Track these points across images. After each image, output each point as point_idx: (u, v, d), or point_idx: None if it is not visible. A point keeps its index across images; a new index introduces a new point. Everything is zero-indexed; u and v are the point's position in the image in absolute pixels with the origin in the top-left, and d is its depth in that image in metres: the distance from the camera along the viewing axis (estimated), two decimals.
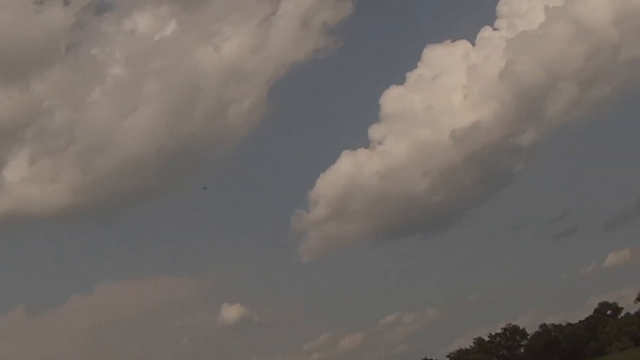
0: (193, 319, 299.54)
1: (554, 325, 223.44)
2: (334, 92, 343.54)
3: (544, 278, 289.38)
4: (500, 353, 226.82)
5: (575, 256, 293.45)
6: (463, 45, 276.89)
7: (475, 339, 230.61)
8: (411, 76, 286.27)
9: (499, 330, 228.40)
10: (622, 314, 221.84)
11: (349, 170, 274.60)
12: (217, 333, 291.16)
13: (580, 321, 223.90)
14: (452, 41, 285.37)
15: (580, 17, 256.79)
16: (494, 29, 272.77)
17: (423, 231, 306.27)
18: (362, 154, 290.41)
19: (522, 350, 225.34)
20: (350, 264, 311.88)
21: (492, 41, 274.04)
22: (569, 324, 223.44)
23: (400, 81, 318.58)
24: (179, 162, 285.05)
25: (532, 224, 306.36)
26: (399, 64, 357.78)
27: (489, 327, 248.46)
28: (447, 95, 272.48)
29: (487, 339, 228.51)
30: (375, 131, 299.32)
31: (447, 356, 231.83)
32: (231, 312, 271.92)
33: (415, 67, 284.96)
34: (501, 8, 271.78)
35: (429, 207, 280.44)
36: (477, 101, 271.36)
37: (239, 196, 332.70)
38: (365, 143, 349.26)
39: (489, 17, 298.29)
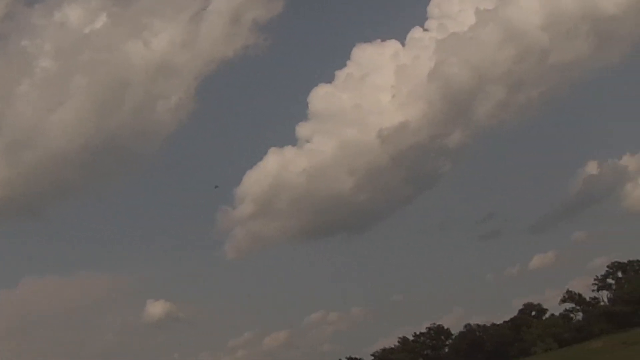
0: (118, 315, 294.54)
1: (478, 325, 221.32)
2: (262, 89, 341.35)
3: (469, 279, 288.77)
4: (425, 352, 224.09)
5: (501, 258, 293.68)
6: (393, 45, 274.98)
7: (399, 338, 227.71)
8: (340, 75, 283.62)
9: (423, 330, 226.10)
10: (547, 315, 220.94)
11: (276, 167, 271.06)
12: (141, 329, 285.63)
13: (504, 322, 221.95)
14: (382, 41, 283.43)
15: (511, 21, 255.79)
16: (424, 30, 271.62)
17: (348, 230, 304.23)
18: (289, 151, 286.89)
19: (446, 350, 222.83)
20: (275, 262, 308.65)
21: (422, 42, 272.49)
22: (493, 325, 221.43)
23: (329, 80, 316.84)
24: (105, 157, 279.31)
25: (457, 225, 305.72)
26: (328, 63, 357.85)
27: (414, 327, 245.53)
28: (375, 94, 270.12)
29: (411, 338, 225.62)
30: (302, 129, 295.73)
31: (372, 355, 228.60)
32: (156, 309, 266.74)
33: (345, 65, 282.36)
34: (432, 9, 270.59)
35: (354, 207, 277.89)
36: (405, 101, 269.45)
37: (164, 192, 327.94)
38: (293, 141, 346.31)
39: (420, 18, 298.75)
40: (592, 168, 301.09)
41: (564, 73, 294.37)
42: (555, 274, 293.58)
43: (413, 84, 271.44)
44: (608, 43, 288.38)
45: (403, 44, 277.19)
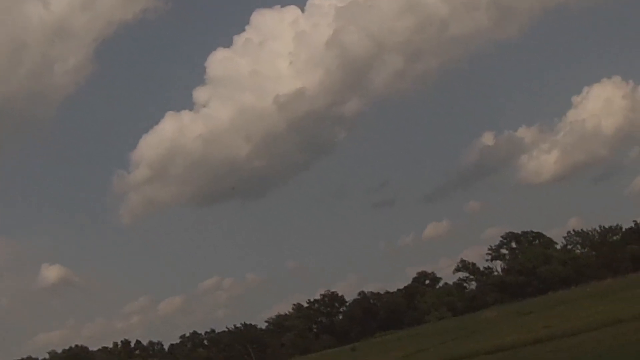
0: (12, 280, 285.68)
1: (372, 293, 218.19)
2: (160, 53, 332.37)
3: (364, 246, 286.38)
4: (319, 319, 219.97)
5: (395, 226, 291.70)
6: (292, 11, 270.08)
7: (294, 304, 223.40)
8: (238, 40, 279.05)
9: (317, 297, 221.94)
10: (440, 284, 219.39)
11: (172, 132, 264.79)
12: (36, 294, 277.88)
13: (398, 290, 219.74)
14: (282, 6, 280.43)
15: None
16: None
17: (243, 196, 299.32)
18: (186, 116, 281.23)
19: (340, 317, 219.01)
20: (170, 227, 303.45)
21: (322, 9, 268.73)
22: (387, 292, 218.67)
23: (228, 44, 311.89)
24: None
25: (352, 192, 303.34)
26: (227, 27, 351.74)
27: (308, 294, 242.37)
28: (273, 61, 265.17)
29: (306, 305, 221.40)
30: (200, 94, 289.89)
31: (266, 321, 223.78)
32: (51, 273, 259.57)
33: (243, 30, 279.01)
34: None
35: (249, 172, 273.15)
36: (303, 68, 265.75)
37: (60, 156, 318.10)
38: (190, 105, 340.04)
39: None
40: (488, 139, 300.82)
41: (463, 44, 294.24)
42: (449, 244, 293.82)
43: (311, 51, 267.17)
44: (508, 16, 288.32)
45: (303, 11, 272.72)
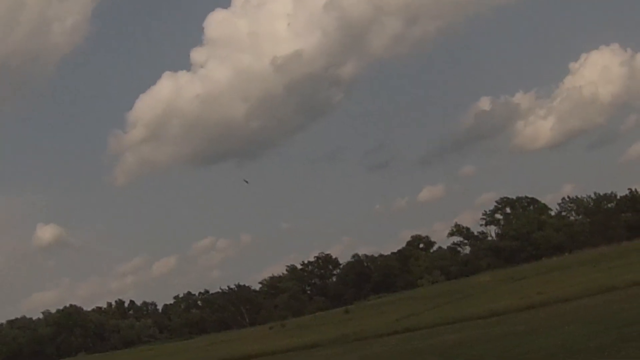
0: (7, 239, 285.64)
1: (366, 255, 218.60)
2: (158, 13, 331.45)
3: (359, 209, 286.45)
4: (312, 281, 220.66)
5: (390, 189, 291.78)
6: None
7: (288, 266, 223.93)
8: (237, 1, 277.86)
9: (311, 259, 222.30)
10: (434, 248, 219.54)
11: (169, 92, 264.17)
12: (31, 253, 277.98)
13: (392, 253, 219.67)
14: None
15: None
16: None
17: (239, 157, 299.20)
18: (183, 76, 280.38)
19: (334, 279, 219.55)
20: (165, 187, 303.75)
21: None
22: (381, 255, 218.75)
23: (226, 5, 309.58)
24: None
25: (347, 155, 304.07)
26: None
27: (302, 255, 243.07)
28: (271, 22, 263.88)
29: (299, 267, 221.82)
30: (197, 54, 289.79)
31: (260, 283, 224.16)
32: (46, 233, 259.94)
33: None
34: None
35: (246, 134, 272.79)
36: (301, 30, 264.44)
37: (57, 115, 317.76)
38: (187, 66, 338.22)
39: None
40: (484, 104, 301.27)
41: (462, 9, 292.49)
42: (443, 208, 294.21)
43: (310, 12, 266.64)
44: None
45: None
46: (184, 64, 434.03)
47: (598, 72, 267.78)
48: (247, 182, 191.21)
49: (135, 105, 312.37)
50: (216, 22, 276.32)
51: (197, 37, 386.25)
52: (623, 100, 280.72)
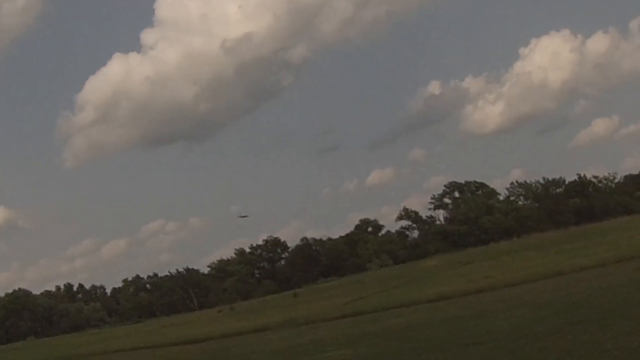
0: None
1: (315, 239, 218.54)
2: None
3: (307, 192, 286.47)
4: (261, 265, 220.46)
5: (339, 172, 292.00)
6: None
7: (236, 249, 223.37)
8: None
9: (260, 242, 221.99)
10: (383, 231, 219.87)
11: (119, 74, 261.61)
12: None
13: (340, 237, 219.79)
14: None
15: None
16: None
17: (188, 140, 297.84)
18: (133, 58, 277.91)
19: (282, 262, 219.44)
20: (115, 170, 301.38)
21: None
22: (329, 239, 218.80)
23: None
24: None
25: (297, 138, 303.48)
26: None
27: (251, 239, 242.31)
28: (222, 4, 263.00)
29: (248, 250, 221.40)
30: (148, 36, 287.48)
31: (209, 266, 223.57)
32: None
33: None
34: None
35: (196, 116, 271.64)
36: (252, 13, 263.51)
37: (5, 96, 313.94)
38: (137, 48, 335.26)
39: None
40: (434, 88, 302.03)
41: None
42: (392, 191, 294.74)
43: None
44: None
45: None
46: (134, 45, 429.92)
47: (548, 57, 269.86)
48: (244, 216, 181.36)
49: (85, 87, 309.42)
50: (167, 4, 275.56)
51: (147, 19, 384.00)
52: (572, 86, 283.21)
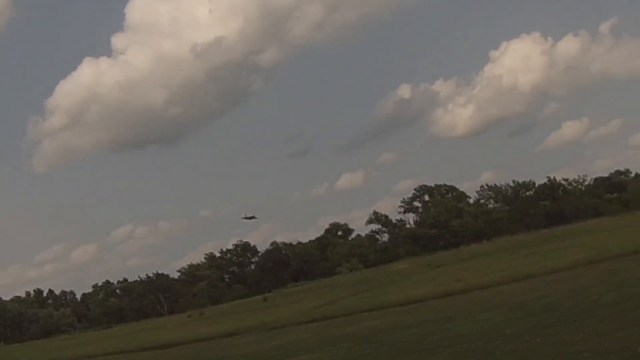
0: None
1: (284, 243, 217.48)
2: None
3: (277, 196, 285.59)
4: (231, 269, 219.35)
5: (309, 176, 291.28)
6: None
7: (206, 254, 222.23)
8: None
9: (230, 247, 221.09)
10: (353, 235, 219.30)
11: (89, 79, 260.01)
12: None
13: (310, 241, 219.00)
14: None
15: None
16: None
17: (159, 144, 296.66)
18: (103, 62, 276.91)
19: (252, 267, 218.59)
20: (85, 175, 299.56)
21: None
22: (299, 243, 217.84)
23: None
24: None
25: (267, 142, 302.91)
26: None
27: (221, 243, 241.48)
28: (193, 8, 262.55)
29: (218, 254, 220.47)
30: (118, 40, 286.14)
31: (179, 271, 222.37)
32: None
33: None
34: None
35: (166, 120, 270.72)
36: (223, 17, 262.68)
37: None
38: (108, 52, 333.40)
39: None
40: (404, 91, 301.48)
41: None
42: (362, 195, 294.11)
43: None
44: None
45: None
46: (104, 49, 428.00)
47: (519, 60, 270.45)
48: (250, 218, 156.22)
49: (55, 91, 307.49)
50: (138, 8, 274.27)
51: (118, 23, 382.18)
52: (543, 89, 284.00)
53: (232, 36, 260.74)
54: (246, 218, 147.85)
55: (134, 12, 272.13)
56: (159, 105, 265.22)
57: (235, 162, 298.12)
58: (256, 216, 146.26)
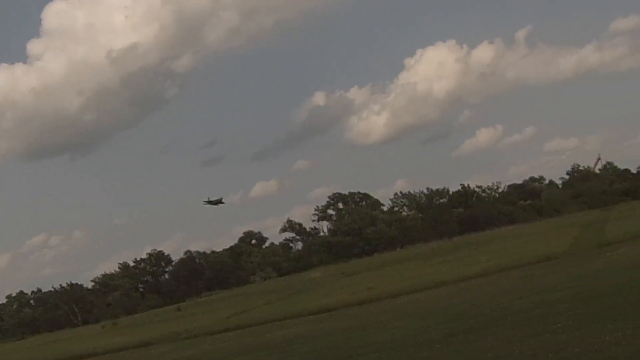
0: None
1: (198, 252, 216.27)
2: None
3: (191, 204, 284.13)
4: (145, 279, 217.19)
5: (223, 184, 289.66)
6: None
7: (120, 263, 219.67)
8: None
9: (144, 256, 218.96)
10: (267, 244, 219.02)
11: (4, 85, 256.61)
12: None
13: (225, 249, 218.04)
14: None
15: None
16: None
17: (72, 151, 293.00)
18: (19, 69, 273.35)
19: (166, 276, 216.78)
20: None
21: None
22: (213, 252, 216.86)
23: None
24: None
25: (181, 149, 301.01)
26: None
27: (135, 252, 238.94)
28: (109, 14, 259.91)
29: (132, 264, 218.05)
30: (34, 46, 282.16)
31: (92, 281, 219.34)
32: None
33: None
34: None
35: (80, 127, 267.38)
36: (139, 23, 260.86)
37: None
38: (23, 58, 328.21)
39: None
40: (319, 99, 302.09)
41: (298, 2, 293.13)
42: (276, 203, 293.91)
43: (148, 5, 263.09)
44: None
45: None
46: (20, 56, 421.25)
47: (433, 68, 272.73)
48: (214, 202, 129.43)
49: None
50: (53, 13, 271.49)
51: (34, 29, 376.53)
52: (457, 96, 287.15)
53: (148, 42, 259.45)
54: (210, 203, 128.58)
55: (50, 18, 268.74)
56: (73, 112, 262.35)
57: (150, 169, 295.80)
58: (223, 200, 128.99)
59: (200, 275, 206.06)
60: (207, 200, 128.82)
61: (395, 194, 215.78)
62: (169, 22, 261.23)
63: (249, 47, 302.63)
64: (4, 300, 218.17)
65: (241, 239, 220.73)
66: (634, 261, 46.02)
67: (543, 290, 40.76)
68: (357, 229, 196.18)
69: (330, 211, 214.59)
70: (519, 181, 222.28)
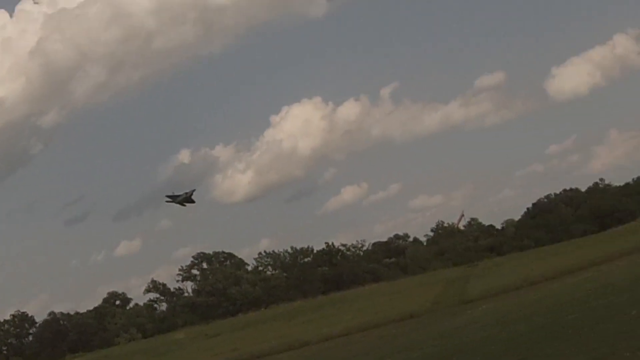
0: None
1: (62, 313, 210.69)
2: None
3: (55, 264, 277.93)
4: (9, 341, 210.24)
5: (87, 243, 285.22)
6: (0, 16, 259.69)
7: None
8: None
9: (7, 317, 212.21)
10: (131, 304, 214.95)
11: None
12: None
13: (88, 310, 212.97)
14: None
15: (120, 2, 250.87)
16: (35, 3, 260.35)
17: None
18: None
19: (30, 338, 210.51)
20: None
21: (32, 15, 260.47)
22: (77, 313, 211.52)
23: None
24: None
25: (46, 207, 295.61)
26: None
27: None
28: None
29: None
30: None
31: None
32: None
33: None
34: None
35: None
36: (5, 77, 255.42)
37: None
38: None
39: None
40: (184, 156, 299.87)
41: (166, 58, 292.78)
42: (140, 263, 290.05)
43: (15, 58, 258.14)
44: (213, 32, 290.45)
45: (11, 16, 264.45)
46: None
47: (299, 125, 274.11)
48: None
49: None
50: None
51: None
52: (322, 153, 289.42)
53: (14, 97, 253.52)
54: (175, 200, 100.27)
55: None
56: None
57: (13, 228, 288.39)
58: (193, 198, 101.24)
59: (65, 337, 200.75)
60: (171, 194, 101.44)
61: (260, 253, 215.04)
62: (35, 77, 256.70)
63: (116, 102, 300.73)
64: None
65: (105, 300, 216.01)
66: (495, 317, 46.58)
67: (405, 349, 40.78)
68: (222, 289, 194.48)
69: (195, 271, 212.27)
70: (384, 239, 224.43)
